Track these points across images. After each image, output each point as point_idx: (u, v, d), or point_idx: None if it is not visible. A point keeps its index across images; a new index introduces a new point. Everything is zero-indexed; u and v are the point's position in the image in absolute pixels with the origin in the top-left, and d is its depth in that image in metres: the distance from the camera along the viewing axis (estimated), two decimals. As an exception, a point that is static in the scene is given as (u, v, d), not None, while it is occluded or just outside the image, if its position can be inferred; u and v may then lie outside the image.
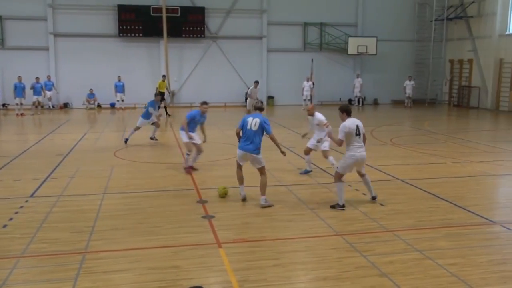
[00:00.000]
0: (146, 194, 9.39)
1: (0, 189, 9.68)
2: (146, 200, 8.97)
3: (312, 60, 28.24)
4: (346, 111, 8.32)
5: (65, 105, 26.59)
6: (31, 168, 11.57)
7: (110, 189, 9.74)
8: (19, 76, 23.72)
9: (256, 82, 18.86)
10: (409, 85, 28.19)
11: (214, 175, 10.95)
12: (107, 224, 7.53)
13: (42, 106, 24.97)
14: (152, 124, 14.98)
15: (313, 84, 26.80)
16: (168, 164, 11.96)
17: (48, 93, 25.35)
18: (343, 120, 8.27)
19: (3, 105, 25.87)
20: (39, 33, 26.13)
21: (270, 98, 29.11)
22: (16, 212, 8.09)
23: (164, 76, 24.78)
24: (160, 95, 23.09)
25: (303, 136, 11.68)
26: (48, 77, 25.54)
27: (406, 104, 28.03)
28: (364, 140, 8.39)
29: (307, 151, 10.92)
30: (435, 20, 29.12)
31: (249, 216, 7.98)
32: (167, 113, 23.39)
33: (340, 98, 29.31)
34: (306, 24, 29.06)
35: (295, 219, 7.87)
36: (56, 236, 7.00)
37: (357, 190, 9.54)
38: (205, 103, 11.12)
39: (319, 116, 10.65)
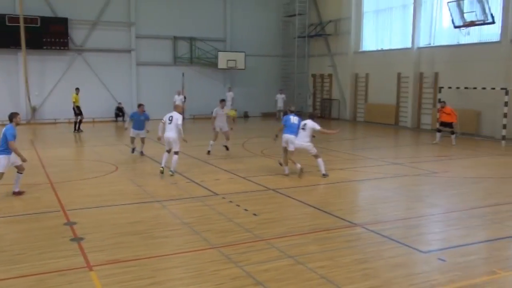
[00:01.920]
0: (6, 219, 8.60)
1: None
2: (6, 226, 8.23)
3: (183, 74, 28.31)
4: None
5: None
6: None
7: (-38, 216, 8.77)
8: None
9: (222, 101, 16.95)
10: (280, 98, 29.55)
11: (82, 195, 10.41)
12: (-41, 256, 6.76)
13: None
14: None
15: (185, 98, 26.81)
16: (27, 185, 11.03)
17: None
18: None
19: None
20: None
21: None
22: None
23: (77, 89, 22.70)
24: (77, 109, 21.56)
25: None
26: None
27: (277, 117, 29.29)
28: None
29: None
30: (298, 37, 30.96)
31: (122, 235, 7.71)
32: (79, 128, 21.93)
33: (211, 112, 29.67)
34: (175, 38, 29.07)
35: (170, 235, 7.78)
36: None
37: (231, 202, 9.73)
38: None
39: None
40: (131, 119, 15.28)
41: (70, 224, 8.23)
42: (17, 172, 10.26)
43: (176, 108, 13.23)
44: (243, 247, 7.17)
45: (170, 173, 12.23)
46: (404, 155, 16.78)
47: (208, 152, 15.66)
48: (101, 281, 5.97)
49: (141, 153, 15.16)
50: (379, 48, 26.89)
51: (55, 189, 10.78)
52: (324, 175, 12.19)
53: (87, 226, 8.12)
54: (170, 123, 12.27)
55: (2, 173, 9.89)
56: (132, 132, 14.91)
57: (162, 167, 12.26)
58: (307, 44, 31.44)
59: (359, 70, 28.04)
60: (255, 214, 8.86)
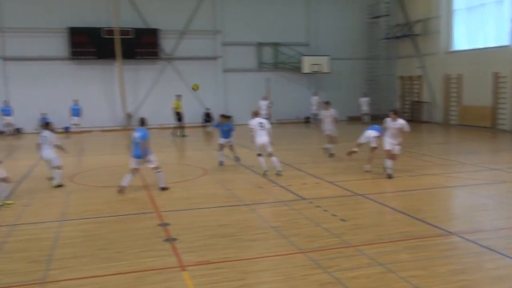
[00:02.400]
0: (105, 219, 9.17)
1: (-51, 221, 9.23)
2: (106, 225, 8.76)
3: (268, 79, 28.62)
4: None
5: (17, 131, 25.73)
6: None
7: (68, 215, 9.46)
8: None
9: (327, 103, 16.40)
10: (364, 101, 28.96)
11: (175, 197, 10.83)
12: (66, 252, 7.29)
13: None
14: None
15: (271, 103, 27.12)
16: (128, 188, 11.68)
17: (7, 119, 24.49)
18: None
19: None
20: (-13, 57, 25.36)
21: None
22: (-32, 244, 7.73)
23: (178, 95, 24.22)
24: (177, 115, 22.84)
25: None
26: (5, 103, 24.71)
27: (363, 120, 28.68)
28: None
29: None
30: (384, 38, 30.14)
31: (212, 237, 7.92)
32: (183, 134, 23.19)
33: (296, 116, 29.79)
34: (260, 44, 29.46)
35: (258, 238, 7.87)
36: (12, 267, 6.72)
37: (318, 206, 9.65)
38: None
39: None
40: (215, 128, 15.44)
41: (164, 225, 8.59)
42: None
43: (256, 114, 13.76)
44: (331, 253, 7.08)
45: (278, 173, 12.75)
46: (503, 160, 15.71)
47: (330, 155, 15.72)
48: (193, 281, 6.17)
49: (236, 159, 15.19)
50: (473, 47, 25.46)
51: (150, 191, 11.31)
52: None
53: (179, 228, 8.43)
54: (261, 128, 12.86)
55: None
56: (220, 140, 15.03)
57: (266, 170, 12.80)
58: (393, 45, 30.53)
59: (451, 70, 26.72)
60: (343, 220, 8.72)
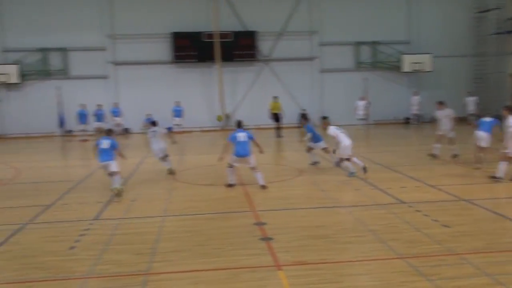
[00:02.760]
0: (205, 216, 9.49)
1: (67, 212, 10.08)
2: (205, 222, 9.06)
3: (365, 79, 27.99)
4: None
5: (126, 131, 27.52)
6: (95, 192, 12.00)
7: (170, 211, 9.93)
8: (83, 104, 25.08)
9: (441, 104, 15.91)
10: (471, 101, 27.24)
11: (271, 196, 10.95)
12: (167, 246, 7.65)
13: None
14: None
15: (369, 103, 26.50)
16: (226, 187, 12.04)
17: (116, 119, 26.33)
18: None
19: (68, 131, 27.12)
20: (100, 62, 27.40)
21: (324, 118, 28.91)
22: (82, 235, 8.38)
23: (275, 97, 24.83)
24: (274, 116, 23.47)
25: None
26: (115, 104, 26.57)
27: (468, 121, 26.97)
28: None
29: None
30: (494, 33, 28.13)
31: (308, 238, 7.88)
32: (280, 135, 23.75)
33: (394, 117, 28.81)
34: (358, 44, 28.88)
35: (355, 241, 7.70)
36: (119, 258, 7.18)
37: (418, 211, 9.24)
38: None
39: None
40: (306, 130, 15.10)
41: (260, 224, 8.71)
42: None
43: (324, 124, 13.93)
44: (433, 260, 6.73)
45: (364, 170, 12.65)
46: None
47: (433, 155, 15.18)
48: (289, 281, 6.18)
49: (337, 163, 14.83)
50: None
51: (247, 190, 11.54)
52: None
53: (275, 227, 8.49)
54: (343, 132, 13.16)
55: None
56: (311, 143, 14.83)
57: (355, 171, 12.74)
58: (505, 40, 28.38)
59: None
60: (446, 226, 8.26)
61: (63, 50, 27.07)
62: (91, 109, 25.15)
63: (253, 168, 11.88)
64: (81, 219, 9.45)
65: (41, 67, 26.99)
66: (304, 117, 15.59)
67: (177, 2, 27.59)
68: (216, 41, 26.60)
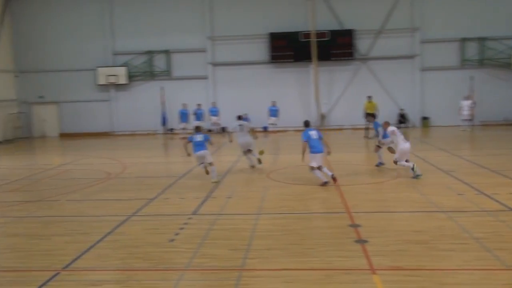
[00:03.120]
0: (299, 215, 9.50)
1: (168, 206, 10.60)
2: (299, 221, 9.06)
3: (472, 77, 26.35)
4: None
5: (223, 129, 28.35)
6: (193, 188, 12.50)
7: (264, 209, 10.06)
8: (184, 103, 26.28)
9: None
10: None
11: (366, 199, 10.69)
12: (262, 244, 7.76)
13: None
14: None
15: (474, 103, 24.93)
16: (321, 187, 11.97)
17: (214, 118, 27.24)
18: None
19: (170, 129, 28.54)
20: (199, 63, 28.49)
21: (425, 119, 27.74)
22: (182, 228, 8.76)
23: (369, 97, 24.21)
24: (370, 116, 23.24)
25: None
26: (213, 104, 27.50)
27: None
28: None
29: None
30: None
31: (405, 243, 7.58)
32: (369, 135, 23.45)
33: (504, 118, 26.81)
34: (463, 40, 27.25)
35: (456, 249, 7.27)
36: (216, 252, 7.40)
37: (530, 219, 8.52)
38: None
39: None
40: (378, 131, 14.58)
41: (355, 226, 8.53)
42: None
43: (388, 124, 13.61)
44: (547, 274, 6.18)
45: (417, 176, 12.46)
46: None
47: None
48: (384, 286, 6.00)
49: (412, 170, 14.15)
50: None
51: (342, 191, 11.37)
52: None
53: (370, 230, 8.28)
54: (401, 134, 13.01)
55: None
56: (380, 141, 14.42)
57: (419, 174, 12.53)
58: None
59: None
60: (562, 237, 7.54)
61: (166, 52, 28.52)
62: (191, 109, 26.27)
63: (320, 167, 12.09)
64: (180, 213, 9.89)
65: (147, 69, 28.66)
66: (371, 115, 15.23)
67: (274, 3, 27.89)
68: (313, 40, 26.50)
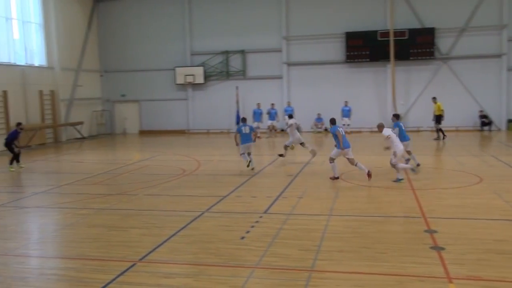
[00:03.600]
0: (371, 218, 9.28)
1: (240, 204, 10.75)
2: (371, 224, 8.86)
3: None
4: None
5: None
6: (265, 187, 12.59)
7: (336, 211, 9.92)
8: (258, 103, 26.57)
9: None
10: None
11: (444, 204, 10.23)
12: (332, 245, 7.66)
13: (275, 130, 26.98)
14: None
15: None
16: (395, 190, 11.63)
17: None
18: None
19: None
20: (274, 63, 28.63)
21: (511, 121, 26.14)
22: (253, 226, 8.85)
23: (434, 98, 23.39)
24: (436, 118, 22.66)
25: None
26: (288, 103, 27.55)
27: None
28: None
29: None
30: None
31: (485, 252, 7.18)
32: (443, 135, 22.82)
33: None
34: (557, 37, 25.37)
35: (544, 261, 6.78)
36: (286, 252, 7.40)
37: None
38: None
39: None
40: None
41: (431, 232, 8.20)
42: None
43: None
44: None
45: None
46: None
47: None
48: (461, 296, 5.71)
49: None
50: None
51: (417, 195, 10.97)
52: None
53: (448, 237, 7.92)
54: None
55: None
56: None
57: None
58: None
59: None
60: None
61: (242, 52, 28.92)
62: (264, 108, 26.48)
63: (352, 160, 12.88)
64: (252, 211, 9.99)
65: (223, 68, 29.24)
66: (395, 115, 14.67)
67: (351, 2, 27.45)
68: (391, 39, 25.78)
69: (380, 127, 13.14)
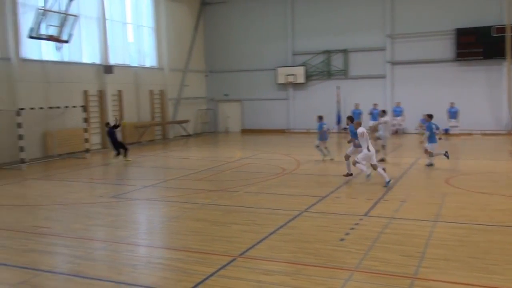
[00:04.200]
0: (481, 227, 8.68)
1: (339, 205, 10.60)
2: (481, 233, 8.29)
3: None
4: None
5: (397, 131, 27.33)
6: (365, 189, 12.30)
7: (441, 217, 9.41)
8: (356, 103, 26.08)
9: None
10: None
11: None
12: (437, 253, 7.28)
13: (377, 131, 26.11)
14: None
15: None
16: (509, 197, 10.80)
17: (398, 119, 26.45)
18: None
19: (344, 129, 28.49)
20: (378, 62, 27.85)
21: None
22: (352, 228, 8.69)
23: None
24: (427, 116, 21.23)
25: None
26: (397, 104, 26.68)
27: None
28: None
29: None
30: None
31: None
32: None
33: None
34: None
35: None
36: (387, 257, 7.17)
37: None
38: None
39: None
40: None
41: (550, 245, 7.50)
42: None
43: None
44: None
45: None
46: None
47: None
48: None
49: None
50: None
51: (534, 204, 10.09)
52: None
53: None
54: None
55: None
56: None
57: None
58: None
59: None
60: None
61: (344, 51, 28.51)
62: (366, 108, 25.83)
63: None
64: (351, 213, 9.80)
65: (324, 68, 29.04)
66: (429, 115, 13.69)
67: (463, -4, 25.91)
68: (507, 35, 23.93)
69: (358, 124, 13.20)
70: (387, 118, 16.84)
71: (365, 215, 9.64)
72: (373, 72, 28.01)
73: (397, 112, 26.27)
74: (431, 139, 14.74)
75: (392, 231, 8.53)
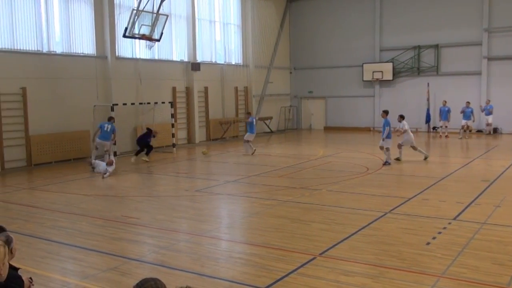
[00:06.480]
0: None
1: (426, 208, 10.12)
2: None
3: None
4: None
5: (495, 130, 25.64)
6: (455, 191, 11.66)
7: (541, 225, 8.69)
8: (444, 100, 24.74)
9: None
10: None
11: None
12: (535, 264, 6.72)
13: (470, 131, 24.72)
14: None
15: None
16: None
17: (488, 118, 24.92)
18: None
19: (433, 128, 27.26)
20: (472, 58, 26.27)
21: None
22: (439, 232, 8.25)
23: None
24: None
25: None
26: (487, 102, 25.13)
27: None
28: None
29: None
30: None
31: None
32: None
33: None
34: None
35: None
36: (476, 264, 6.73)
37: None
38: None
39: None
40: None
41: None
42: None
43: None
44: None
45: None
46: None
47: None
48: None
49: None
50: None
51: None
52: None
53: None
54: None
55: None
56: None
57: None
58: None
59: None
60: None
61: (436, 47, 27.21)
62: (457, 106, 24.42)
63: None
64: (439, 216, 9.32)
65: (413, 64, 27.90)
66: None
67: None
68: None
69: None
70: (406, 125, 17.04)
71: (454, 219, 9.13)
72: (466, 68, 26.46)
73: (487, 111, 24.58)
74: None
75: (484, 237, 7.99)
